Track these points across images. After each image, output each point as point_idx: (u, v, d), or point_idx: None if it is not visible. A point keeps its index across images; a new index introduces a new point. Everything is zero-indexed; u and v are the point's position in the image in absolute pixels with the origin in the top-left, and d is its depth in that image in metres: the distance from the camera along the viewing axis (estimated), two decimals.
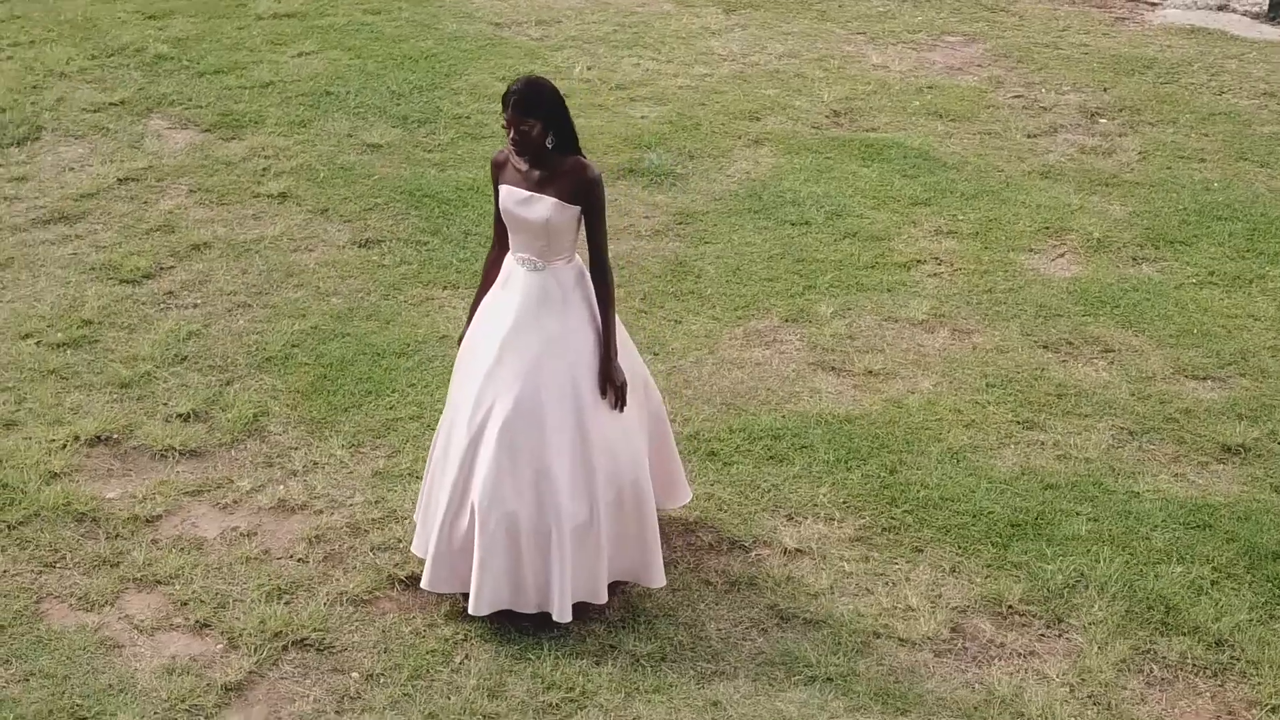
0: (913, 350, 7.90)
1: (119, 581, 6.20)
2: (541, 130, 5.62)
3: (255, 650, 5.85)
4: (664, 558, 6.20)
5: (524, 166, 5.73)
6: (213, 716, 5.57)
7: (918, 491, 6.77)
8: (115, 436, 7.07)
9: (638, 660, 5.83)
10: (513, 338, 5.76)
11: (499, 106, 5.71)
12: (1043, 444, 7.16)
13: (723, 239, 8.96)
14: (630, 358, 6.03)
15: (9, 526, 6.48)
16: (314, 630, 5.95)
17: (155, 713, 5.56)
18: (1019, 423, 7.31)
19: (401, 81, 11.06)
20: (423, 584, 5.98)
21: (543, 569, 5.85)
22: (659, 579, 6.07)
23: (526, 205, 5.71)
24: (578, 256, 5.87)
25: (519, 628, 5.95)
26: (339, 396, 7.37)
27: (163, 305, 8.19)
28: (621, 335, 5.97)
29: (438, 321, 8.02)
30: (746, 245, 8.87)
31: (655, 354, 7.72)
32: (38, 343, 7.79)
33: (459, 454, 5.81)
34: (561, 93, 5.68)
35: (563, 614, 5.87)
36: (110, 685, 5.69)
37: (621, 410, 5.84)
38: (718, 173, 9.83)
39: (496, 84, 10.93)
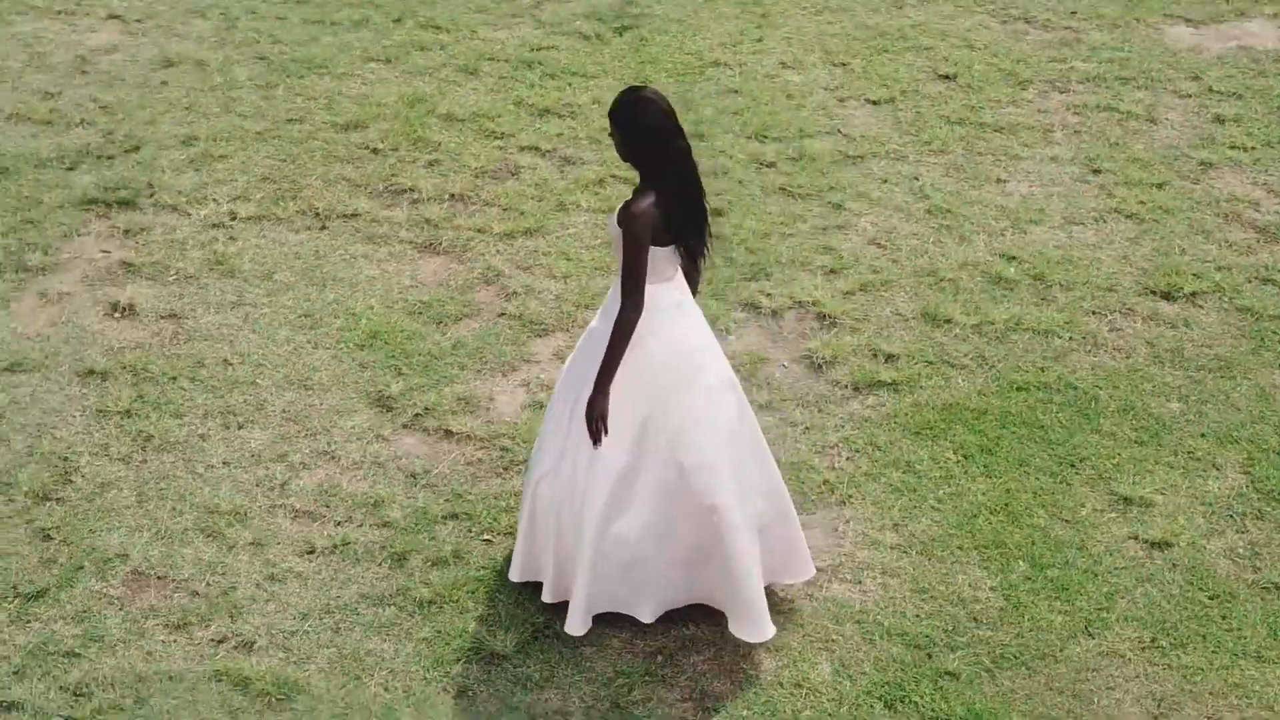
0: None
1: (423, 416, 7.35)
2: (619, 142, 5.72)
3: (424, 498, 6.85)
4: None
5: None
6: (321, 519, 6.74)
7: None
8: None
9: (576, 686, 5.98)
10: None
11: None
12: None
13: None
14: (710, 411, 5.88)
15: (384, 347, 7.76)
16: (465, 514, 6.75)
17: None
18: None
19: None
20: None
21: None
22: (573, 628, 6.05)
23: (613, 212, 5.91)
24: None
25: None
26: None
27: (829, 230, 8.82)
28: (706, 389, 5.89)
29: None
30: None
31: (1065, 522, 6.93)
32: None
33: None
34: (643, 122, 5.60)
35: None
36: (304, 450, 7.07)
37: (594, 446, 5.77)
38: None
39: None
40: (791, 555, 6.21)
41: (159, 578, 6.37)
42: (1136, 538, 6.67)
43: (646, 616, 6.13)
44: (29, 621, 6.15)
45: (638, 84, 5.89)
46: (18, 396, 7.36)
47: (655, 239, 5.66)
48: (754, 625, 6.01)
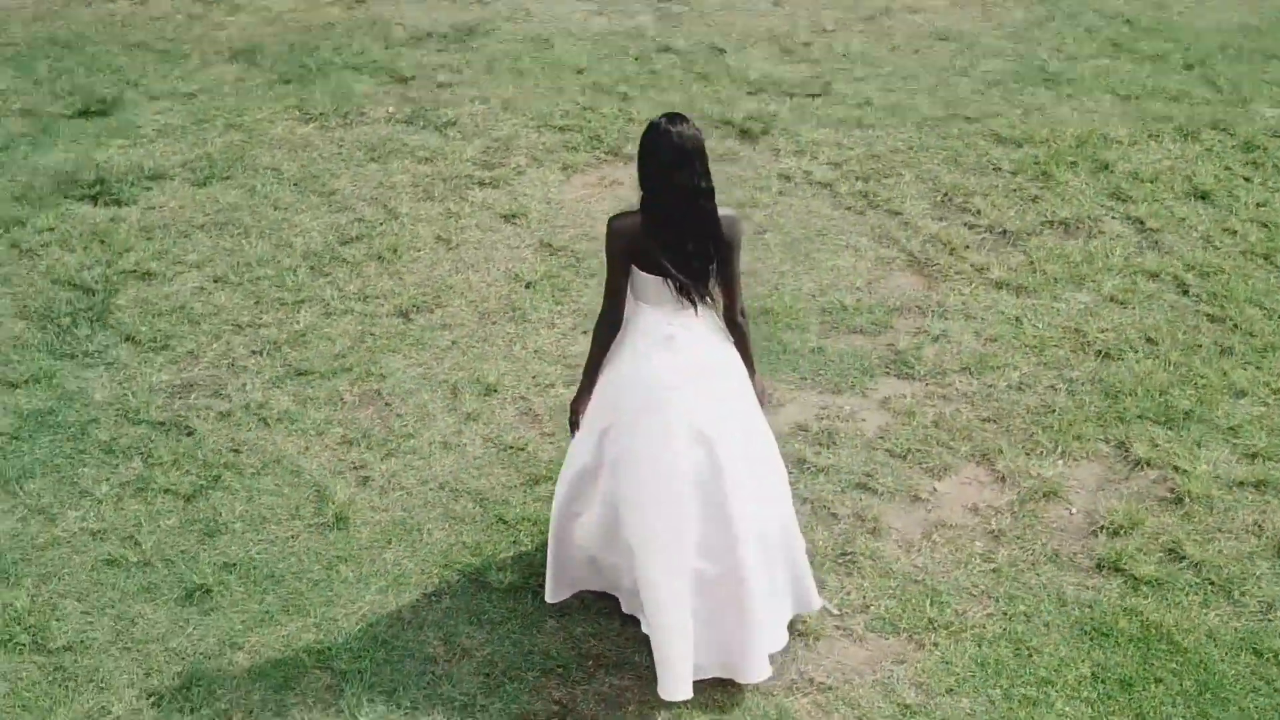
0: None
1: None
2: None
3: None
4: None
5: None
6: (535, 423, 7.40)
7: None
8: None
9: (499, 640, 6.20)
10: None
11: None
12: None
13: None
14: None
15: None
16: None
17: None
18: None
19: None
20: None
21: None
22: (548, 595, 6.32)
23: None
24: (633, 300, 5.83)
25: None
26: None
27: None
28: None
29: None
30: None
31: None
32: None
33: None
34: (651, 147, 5.57)
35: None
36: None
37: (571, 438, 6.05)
38: None
39: None
40: (733, 641, 5.87)
41: (385, 404, 7.44)
42: None
43: (624, 604, 6.25)
44: (276, 389, 7.52)
45: (678, 113, 5.75)
46: (483, 240, 8.64)
47: (637, 262, 5.69)
48: (660, 679, 5.86)
